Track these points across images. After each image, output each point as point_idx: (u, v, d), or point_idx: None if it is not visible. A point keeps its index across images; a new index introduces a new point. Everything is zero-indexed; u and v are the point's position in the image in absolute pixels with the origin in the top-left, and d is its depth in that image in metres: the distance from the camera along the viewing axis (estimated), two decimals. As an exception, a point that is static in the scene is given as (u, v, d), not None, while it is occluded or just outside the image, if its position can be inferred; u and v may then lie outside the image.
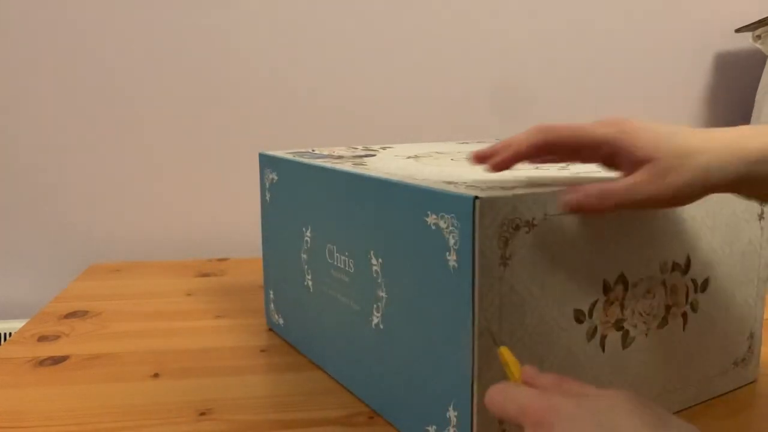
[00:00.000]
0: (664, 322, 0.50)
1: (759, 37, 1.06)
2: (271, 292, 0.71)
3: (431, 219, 0.43)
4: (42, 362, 0.64)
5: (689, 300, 0.52)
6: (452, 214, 0.41)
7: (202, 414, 0.54)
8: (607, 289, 0.47)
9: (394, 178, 0.48)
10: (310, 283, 0.62)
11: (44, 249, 1.08)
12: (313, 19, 1.07)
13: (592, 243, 0.45)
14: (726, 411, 0.54)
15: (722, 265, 0.53)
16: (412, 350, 0.47)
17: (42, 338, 0.70)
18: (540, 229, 0.42)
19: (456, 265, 0.42)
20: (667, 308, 0.50)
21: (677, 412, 0.51)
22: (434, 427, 0.46)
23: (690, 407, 0.54)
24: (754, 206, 0.55)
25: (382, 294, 0.50)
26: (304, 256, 0.62)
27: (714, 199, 0.51)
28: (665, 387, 0.52)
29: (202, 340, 0.70)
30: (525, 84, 1.14)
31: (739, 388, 0.57)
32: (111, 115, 1.05)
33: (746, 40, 1.15)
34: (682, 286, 0.51)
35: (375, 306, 0.51)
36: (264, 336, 0.71)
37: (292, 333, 0.67)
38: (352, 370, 0.57)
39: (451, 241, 0.42)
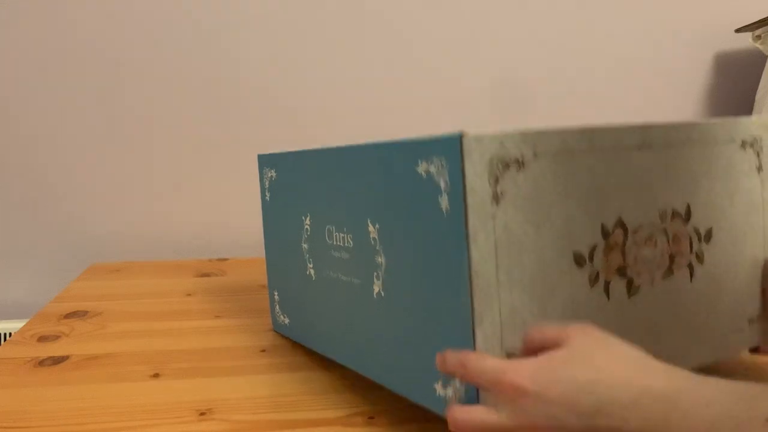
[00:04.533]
0: (669, 272, 0.49)
1: (759, 37, 1.06)
2: (276, 294, 0.71)
3: (422, 167, 0.44)
4: (42, 362, 0.64)
5: (693, 250, 0.51)
6: (441, 156, 0.42)
7: (202, 414, 0.54)
8: (606, 233, 0.46)
9: (383, 140, 0.49)
10: (312, 271, 0.62)
11: (44, 249, 1.08)
12: (313, 19, 1.07)
13: (587, 186, 0.45)
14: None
15: (725, 217, 0.52)
16: (413, 309, 0.47)
17: (42, 338, 0.70)
18: (531, 169, 0.42)
19: (448, 207, 0.42)
20: (671, 258, 0.50)
21: (694, 370, 0.50)
22: (440, 382, 0.45)
23: (707, 365, 0.52)
24: (751, 157, 0.54)
25: (381, 260, 0.50)
26: (305, 245, 0.62)
27: (709, 146, 0.51)
28: (677, 341, 0.50)
29: (202, 340, 0.70)
30: (525, 83, 1.14)
31: (757, 348, 0.55)
32: (111, 115, 1.05)
33: (746, 40, 1.15)
34: (685, 236, 0.50)
35: (375, 274, 0.51)
36: (264, 336, 0.71)
37: (298, 329, 0.67)
38: (356, 348, 0.56)
39: (442, 184, 0.42)
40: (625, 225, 0.47)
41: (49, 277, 1.09)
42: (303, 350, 0.67)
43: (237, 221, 1.10)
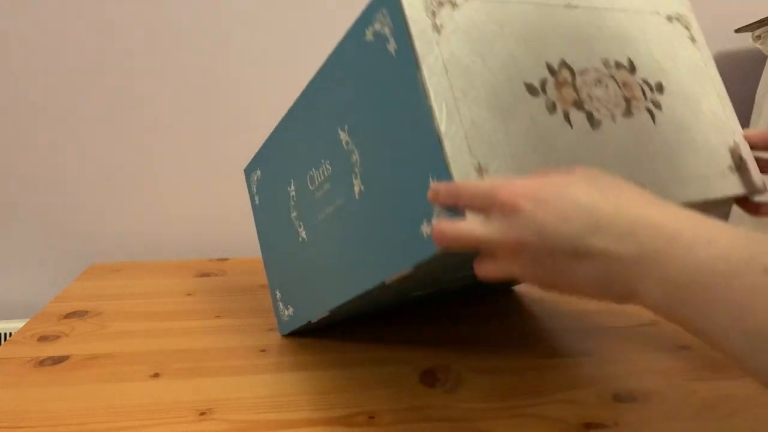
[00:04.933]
0: (628, 112, 0.50)
1: (759, 37, 1.06)
2: (278, 292, 0.71)
3: (369, 32, 0.47)
4: (42, 362, 0.64)
5: (648, 98, 0.52)
6: (382, 9, 0.45)
7: (202, 414, 0.54)
8: (552, 71, 0.48)
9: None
10: (303, 234, 0.63)
11: (44, 249, 1.08)
12: (314, 20, 1.07)
13: (524, 29, 0.48)
14: (726, 411, 0.54)
15: (672, 76, 0.54)
16: (390, 168, 0.48)
17: (42, 338, 0.70)
18: (464, 9, 0.46)
19: (396, 46, 0.45)
20: (627, 100, 0.51)
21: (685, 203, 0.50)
22: (424, 222, 0.45)
23: (694, 202, 0.52)
24: (681, 29, 0.57)
25: (356, 157, 0.52)
26: (293, 214, 0.64)
27: (636, 14, 0.54)
28: (656, 173, 0.51)
29: (202, 340, 0.70)
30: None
31: (747, 195, 0.55)
32: (111, 115, 1.06)
33: (746, 40, 1.15)
34: (635, 84, 0.52)
35: (353, 175, 0.53)
36: (264, 336, 0.71)
37: (301, 309, 0.67)
38: (351, 267, 0.56)
39: (387, 31, 0.45)
40: (570, 66, 0.49)
41: (49, 277, 1.09)
42: (303, 350, 0.67)
43: (237, 221, 1.10)
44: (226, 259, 1.04)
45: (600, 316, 0.77)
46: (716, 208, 0.58)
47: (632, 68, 0.52)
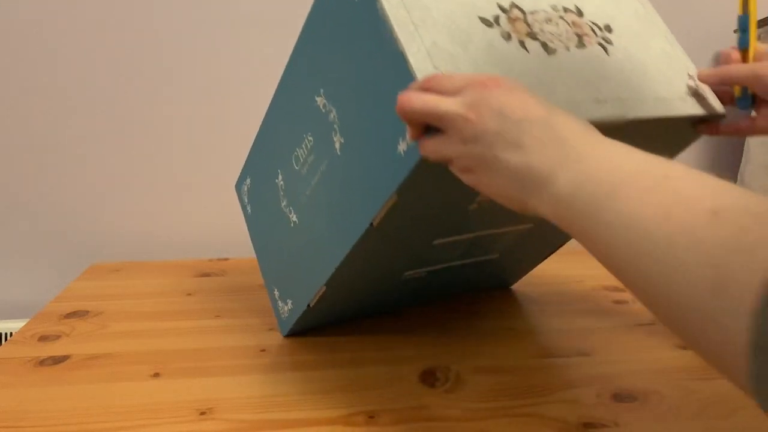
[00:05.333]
0: (581, 44, 0.53)
1: (759, 37, 1.06)
2: (276, 291, 0.71)
3: None
4: (43, 362, 0.64)
5: (599, 35, 0.55)
6: None
7: (202, 414, 0.54)
8: (504, 9, 0.52)
9: None
10: (294, 218, 0.64)
11: (44, 249, 1.08)
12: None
13: None
14: (725, 411, 0.54)
15: (618, 20, 0.58)
16: (366, 115, 0.50)
17: (43, 338, 0.70)
18: None
19: None
20: (579, 36, 0.54)
21: (641, 120, 0.52)
22: (401, 140, 0.47)
23: (654, 118, 0.53)
24: None
25: (334, 114, 0.55)
26: (283, 203, 0.66)
27: None
28: (614, 95, 0.52)
29: (202, 340, 0.70)
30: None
31: (709, 117, 0.57)
32: (112, 116, 1.06)
33: (746, 41, 1.15)
34: (584, 24, 0.55)
35: (333, 132, 0.55)
36: (264, 336, 0.71)
37: (299, 298, 0.67)
38: (338, 229, 0.57)
39: None
40: (520, 7, 0.52)
41: (49, 277, 1.09)
42: (303, 350, 0.67)
43: (237, 221, 1.10)
44: (226, 259, 1.04)
45: (599, 316, 0.77)
46: (677, 139, 0.60)
47: (580, 13, 0.56)
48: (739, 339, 0.25)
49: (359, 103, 0.51)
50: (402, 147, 0.47)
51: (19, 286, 1.09)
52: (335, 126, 0.55)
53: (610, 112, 0.50)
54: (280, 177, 0.66)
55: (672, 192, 0.29)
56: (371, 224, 0.52)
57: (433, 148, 0.42)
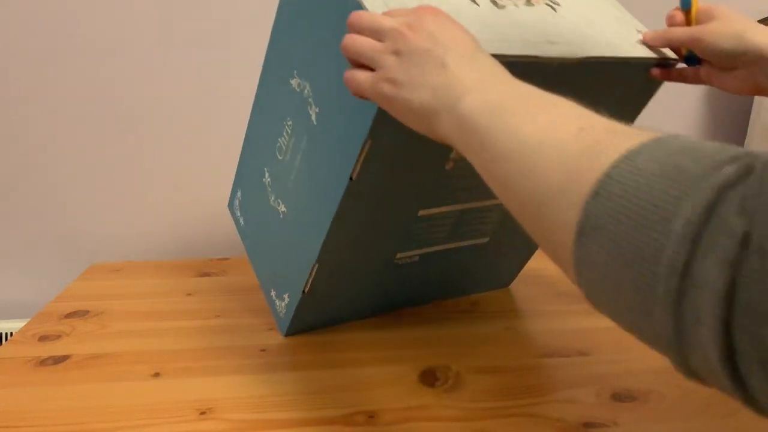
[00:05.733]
0: (529, 3, 0.56)
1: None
2: (273, 290, 0.71)
3: None
4: (43, 362, 0.64)
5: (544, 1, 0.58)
6: None
7: (203, 414, 0.54)
8: None
9: None
10: (283, 208, 0.65)
11: (44, 249, 1.08)
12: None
13: None
14: (726, 411, 0.54)
15: None
16: (334, 77, 0.52)
17: (43, 338, 0.70)
18: None
19: None
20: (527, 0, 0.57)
21: (595, 60, 0.53)
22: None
23: (608, 58, 0.55)
24: None
25: (308, 88, 0.57)
26: (272, 198, 0.67)
27: None
28: (564, 40, 0.53)
29: (202, 340, 0.70)
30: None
31: (662, 61, 0.59)
32: (111, 115, 1.06)
33: (746, 41, 1.14)
34: None
35: (309, 106, 0.57)
36: (264, 336, 0.71)
37: (293, 287, 0.67)
38: (321, 199, 0.58)
39: None
40: None
41: (49, 277, 1.09)
42: (303, 350, 0.67)
43: (237, 221, 1.11)
44: (226, 259, 1.04)
45: (599, 316, 0.77)
46: (634, 90, 0.61)
47: None
48: (572, 228, 0.28)
49: (328, 68, 0.53)
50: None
51: (19, 286, 1.09)
52: (310, 99, 0.57)
53: (564, 49, 0.51)
54: (266, 175, 0.68)
55: (556, 115, 0.33)
56: (351, 178, 0.54)
57: (356, 76, 0.44)
